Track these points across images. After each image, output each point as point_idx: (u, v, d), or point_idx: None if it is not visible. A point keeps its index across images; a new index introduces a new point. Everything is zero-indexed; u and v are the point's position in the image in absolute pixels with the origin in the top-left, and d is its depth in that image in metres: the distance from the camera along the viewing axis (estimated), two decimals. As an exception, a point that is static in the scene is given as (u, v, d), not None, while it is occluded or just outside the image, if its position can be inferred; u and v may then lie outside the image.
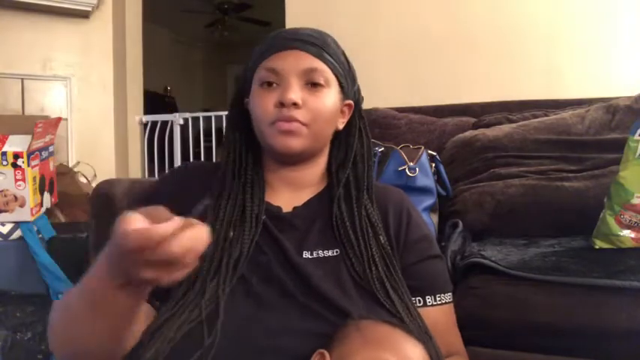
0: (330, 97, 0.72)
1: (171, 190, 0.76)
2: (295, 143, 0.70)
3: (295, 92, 0.69)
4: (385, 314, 0.64)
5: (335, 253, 0.70)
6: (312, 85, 0.71)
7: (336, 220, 0.72)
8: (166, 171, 2.49)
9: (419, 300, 0.72)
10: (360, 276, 0.68)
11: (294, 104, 0.69)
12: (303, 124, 0.70)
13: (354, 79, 0.79)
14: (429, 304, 0.72)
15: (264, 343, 0.59)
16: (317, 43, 0.72)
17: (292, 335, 0.60)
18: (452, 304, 0.76)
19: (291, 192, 0.76)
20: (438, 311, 0.73)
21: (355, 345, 0.55)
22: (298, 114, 0.69)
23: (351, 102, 0.78)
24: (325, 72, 0.72)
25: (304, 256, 0.68)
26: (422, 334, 0.62)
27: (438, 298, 0.73)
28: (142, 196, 0.85)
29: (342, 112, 0.77)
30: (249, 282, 0.65)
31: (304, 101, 0.70)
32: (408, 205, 0.80)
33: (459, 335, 0.77)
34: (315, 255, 0.69)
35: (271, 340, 0.60)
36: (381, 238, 0.72)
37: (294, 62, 0.71)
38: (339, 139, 0.79)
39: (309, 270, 0.66)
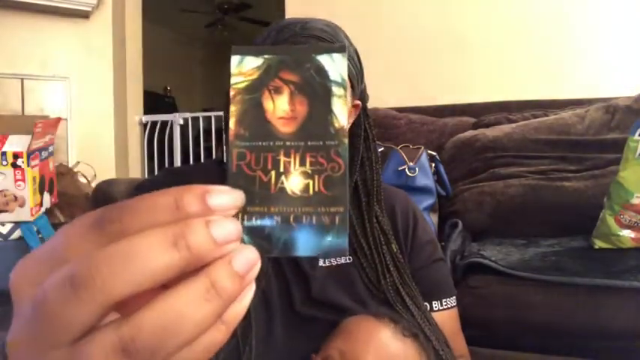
0: None
1: None
2: None
3: None
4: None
5: (347, 261, 0.69)
6: None
7: None
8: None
9: (426, 305, 0.71)
10: (375, 285, 0.67)
11: None
12: None
13: (362, 77, 0.74)
14: (435, 309, 0.72)
15: (282, 356, 0.59)
16: (331, 40, 0.67)
17: (305, 350, 0.60)
18: (456, 308, 0.75)
19: None
20: (444, 316, 0.72)
21: (334, 338, 0.56)
22: None
23: (359, 102, 0.74)
24: None
25: (320, 264, 0.67)
26: (441, 344, 0.61)
27: (444, 303, 0.72)
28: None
29: (349, 112, 0.73)
30: (268, 295, 0.64)
31: None
32: (414, 207, 0.78)
33: (463, 338, 0.77)
34: (328, 263, 0.68)
35: (287, 354, 0.60)
36: (393, 246, 0.70)
37: None
38: None
39: (323, 281, 0.65)
